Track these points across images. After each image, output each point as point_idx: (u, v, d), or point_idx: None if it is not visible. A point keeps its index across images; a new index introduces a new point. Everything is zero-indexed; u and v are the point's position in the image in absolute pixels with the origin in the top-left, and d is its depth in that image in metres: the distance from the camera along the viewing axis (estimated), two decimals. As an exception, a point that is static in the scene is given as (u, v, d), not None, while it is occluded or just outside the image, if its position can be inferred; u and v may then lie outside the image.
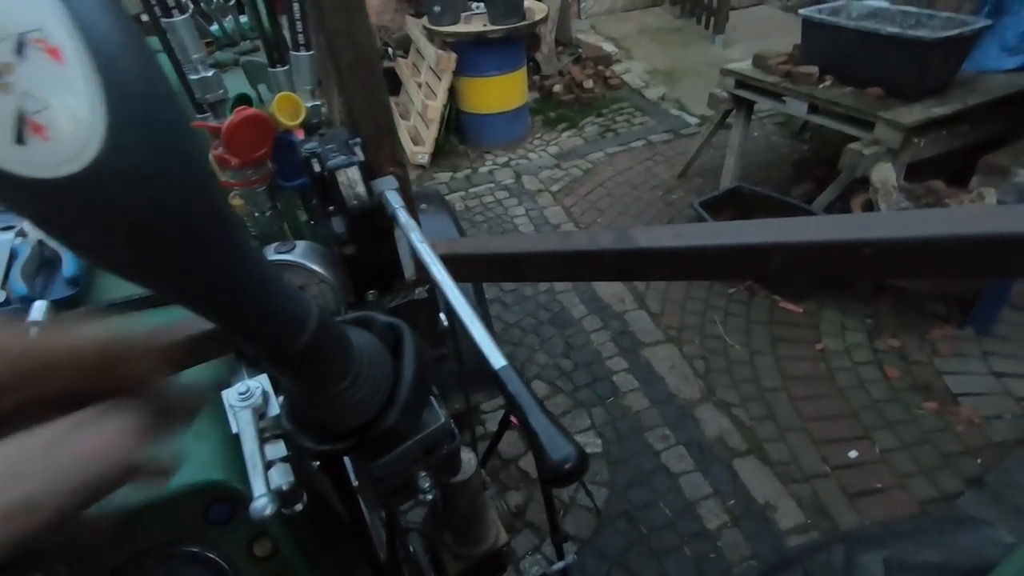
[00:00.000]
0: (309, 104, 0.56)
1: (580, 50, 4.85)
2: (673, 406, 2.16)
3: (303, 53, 0.55)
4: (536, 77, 4.62)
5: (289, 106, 0.53)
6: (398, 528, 0.53)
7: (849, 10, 2.65)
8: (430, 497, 0.37)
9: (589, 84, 4.54)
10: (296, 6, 0.51)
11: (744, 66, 2.90)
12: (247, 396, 0.42)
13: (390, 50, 4.46)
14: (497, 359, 0.27)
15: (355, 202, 0.46)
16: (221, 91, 0.56)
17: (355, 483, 0.41)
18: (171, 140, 0.19)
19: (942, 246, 0.31)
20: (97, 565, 0.35)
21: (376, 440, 0.30)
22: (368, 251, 0.49)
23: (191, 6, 0.52)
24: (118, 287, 0.62)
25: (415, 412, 0.32)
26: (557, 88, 4.52)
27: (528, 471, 1.96)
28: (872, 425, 1.99)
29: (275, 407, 0.42)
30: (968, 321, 2.21)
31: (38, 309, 0.52)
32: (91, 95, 0.17)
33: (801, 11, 2.67)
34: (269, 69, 0.58)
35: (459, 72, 3.74)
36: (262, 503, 0.36)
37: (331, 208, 0.47)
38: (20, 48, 0.16)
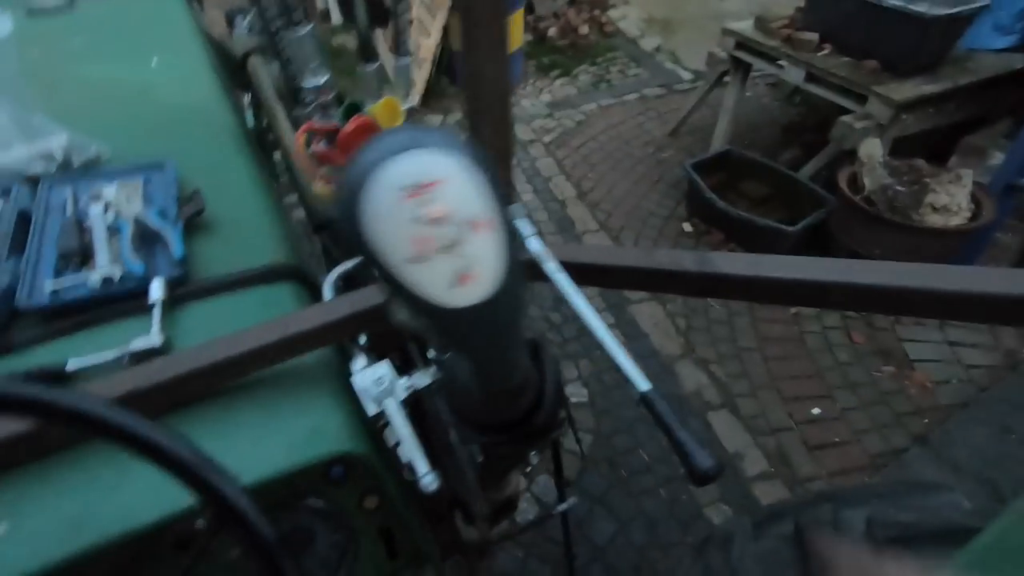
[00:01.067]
0: (405, 107, 0.59)
1: (577, -9, 4.69)
2: (655, 361, 2.30)
3: (403, 60, 0.58)
4: (530, 18, 4.48)
5: (390, 110, 0.57)
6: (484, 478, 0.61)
7: (854, -23, 2.64)
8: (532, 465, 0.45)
9: (584, 30, 4.44)
10: (406, 16, 0.53)
11: (745, 27, 2.89)
12: (380, 382, 0.48)
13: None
14: (642, 383, 0.34)
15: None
16: (332, 95, 0.58)
17: (478, 457, 0.49)
18: (521, 275, 0.27)
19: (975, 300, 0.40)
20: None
21: (529, 434, 0.38)
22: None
23: (309, 21, 0.54)
24: (215, 267, 0.66)
25: (556, 412, 0.39)
26: (552, 31, 4.40)
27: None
28: (835, 385, 2.16)
29: (401, 391, 0.49)
30: (931, 293, 2.38)
31: (156, 288, 0.57)
32: (499, 254, 0.24)
33: (807, -26, 2.65)
34: (359, 67, 0.60)
35: (454, 9, 3.60)
36: (429, 479, 0.43)
37: None
38: (466, 229, 0.23)
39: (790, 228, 2.39)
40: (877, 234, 2.26)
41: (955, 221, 2.17)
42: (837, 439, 2.01)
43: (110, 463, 0.50)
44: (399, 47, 0.59)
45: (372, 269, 0.24)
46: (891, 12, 2.31)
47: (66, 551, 0.44)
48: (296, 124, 0.64)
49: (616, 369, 0.37)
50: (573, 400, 2.26)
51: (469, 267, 0.24)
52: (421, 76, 3.71)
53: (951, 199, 2.16)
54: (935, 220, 2.18)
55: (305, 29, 0.53)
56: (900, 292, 0.41)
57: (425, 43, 3.62)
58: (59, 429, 0.46)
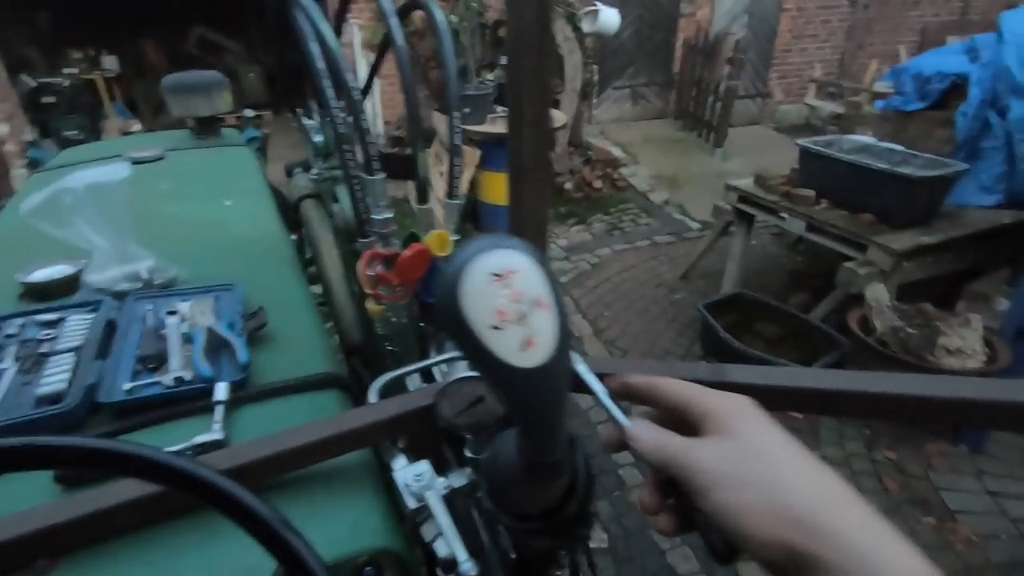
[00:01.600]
0: (454, 239, 0.71)
1: (591, 152, 5.24)
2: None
3: (454, 202, 0.70)
4: (549, 174, 4.96)
5: (441, 241, 0.68)
6: None
7: (841, 143, 2.96)
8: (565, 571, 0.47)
9: (598, 184, 4.88)
10: (456, 160, 0.67)
11: (746, 183, 3.18)
12: (420, 478, 0.52)
13: (416, 140, 4.79)
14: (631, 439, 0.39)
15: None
16: (394, 228, 0.70)
17: (512, 554, 0.51)
18: (568, 348, 0.34)
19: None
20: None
21: (563, 522, 0.41)
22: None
23: (384, 172, 0.68)
24: (273, 374, 0.73)
25: (589, 502, 0.43)
26: (568, 186, 4.84)
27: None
28: (873, 536, 2.03)
29: (440, 488, 0.52)
30: (960, 438, 2.32)
31: (221, 389, 0.63)
32: (556, 326, 0.32)
33: (798, 142, 2.97)
34: (416, 206, 0.73)
35: (480, 166, 4.04)
36: (468, 566, 0.46)
37: None
38: (533, 305, 0.31)
39: (808, 368, 2.42)
40: (895, 375, 2.27)
41: (972, 364, 2.19)
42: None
43: (199, 538, 0.53)
44: (451, 192, 0.72)
45: (460, 338, 0.31)
46: (879, 173, 2.55)
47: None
48: (357, 255, 0.75)
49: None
50: (592, 545, 2.13)
51: (533, 335, 0.31)
52: (448, 222, 4.04)
53: (964, 342, 2.20)
54: (951, 363, 2.20)
55: (380, 176, 0.66)
56: (919, 401, 0.45)
57: (454, 193, 3.99)
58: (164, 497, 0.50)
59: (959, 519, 2.06)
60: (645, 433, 0.39)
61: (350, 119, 0.70)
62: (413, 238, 0.73)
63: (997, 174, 2.76)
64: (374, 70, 1.30)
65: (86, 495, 0.51)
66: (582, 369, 0.47)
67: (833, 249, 2.75)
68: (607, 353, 3.07)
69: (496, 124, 4.09)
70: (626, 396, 0.44)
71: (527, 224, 0.59)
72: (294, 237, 1.90)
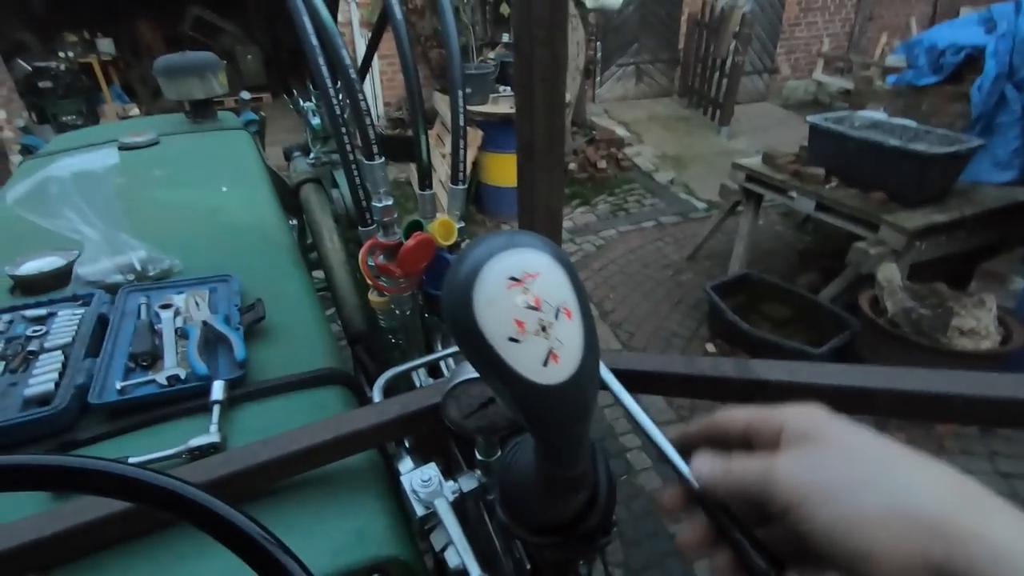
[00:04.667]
0: (459, 226, 0.67)
1: (594, 132, 5.15)
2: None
3: (458, 187, 0.66)
4: (553, 155, 4.88)
5: (445, 228, 0.64)
6: None
7: (852, 120, 2.88)
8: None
9: (602, 164, 4.80)
10: (462, 143, 0.62)
11: (754, 162, 3.11)
12: (428, 483, 0.49)
13: (417, 121, 4.71)
14: (695, 480, 0.35)
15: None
16: (395, 215, 0.66)
17: (527, 564, 0.48)
18: (596, 359, 0.31)
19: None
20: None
21: (581, 535, 0.38)
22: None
23: (382, 156, 0.64)
24: (272, 371, 0.70)
25: (610, 512, 0.40)
26: (572, 166, 4.76)
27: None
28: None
29: (449, 493, 0.49)
30: (972, 419, 2.29)
31: (218, 388, 0.60)
32: (581, 338, 0.29)
33: (809, 118, 2.90)
34: (418, 192, 0.69)
35: (483, 148, 3.97)
36: None
37: None
38: (557, 314, 0.28)
39: (816, 350, 2.38)
40: (907, 357, 2.24)
41: (985, 345, 2.15)
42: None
43: (176, 555, 0.50)
44: (455, 176, 0.68)
45: (473, 350, 0.27)
46: (892, 151, 2.48)
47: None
48: (358, 241, 0.71)
49: (669, 469, 0.37)
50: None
51: (557, 348, 0.28)
52: (451, 204, 3.99)
53: (978, 323, 2.16)
54: (965, 343, 2.16)
55: (379, 160, 0.62)
56: (949, 399, 0.42)
57: (456, 176, 3.93)
58: (140, 515, 0.47)
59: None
60: (710, 463, 0.33)
61: (347, 101, 0.66)
62: (416, 226, 0.69)
63: (1013, 149, 2.69)
64: (371, 48, 1.25)
65: (75, 505, 0.48)
66: (628, 401, 0.43)
67: (843, 228, 2.70)
68: (613, 336, 3.04)
69: (499, 104, 4.01)
70: (687, 447, 0.36)
71: (539, 212, 0.55)
72: (294, 222, 1.87)
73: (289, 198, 1.68)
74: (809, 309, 2.73)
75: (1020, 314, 2.24)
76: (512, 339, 0.27)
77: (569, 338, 0.28)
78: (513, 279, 0.27)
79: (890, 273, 2.35)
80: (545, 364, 0.27)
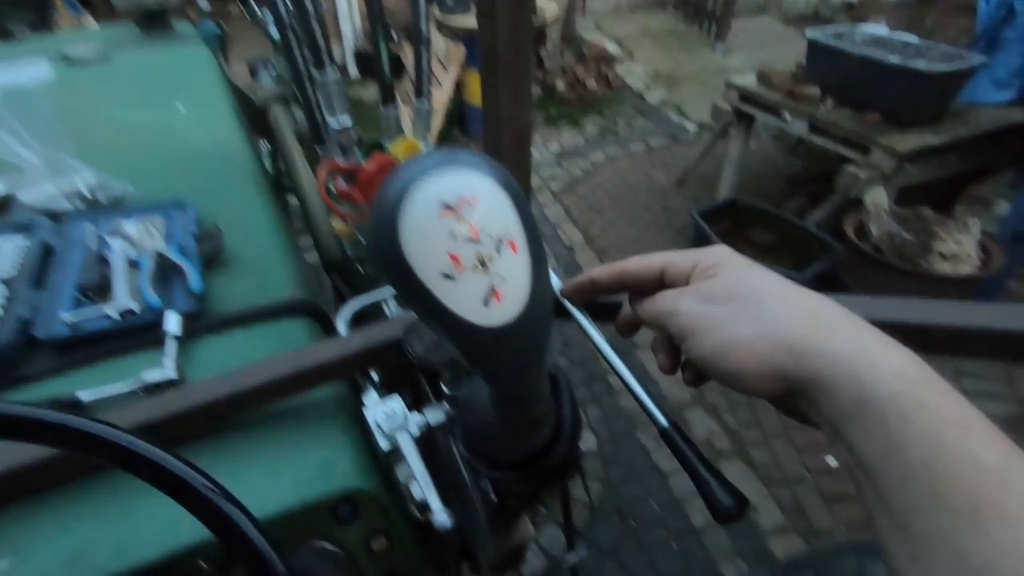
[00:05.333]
0: (424, 148, 0.62)
1: (584, 48, 4.89)
2: (665, 408, 2.26)
3: (423, 103, 0.61)
4: (539, 72, 4.65)
5: (410, 150, 0.59)
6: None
7: (852, 35, 2.74)
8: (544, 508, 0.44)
9: (591, 83, 4.59)
10: (425, 57, 0.56)
11: (748, 81, 2.98)
12: (392, 417, 0.48)
13: (395, 36, 4.43)
14: (661, 419, 0.34)
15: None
16: (352, 135, 0.61)
17: (494, 497, 0.48)
18: (548, 297, 0.28)
19: None
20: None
21: (546, 470, 0.37)
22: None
23: (337, 71, 0.57)
24: (231, 303, 0.67)
25: (575, 447, 0.39)
26: (560, 85, 4.56)
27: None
28: (851, 435, 2.11)
29: (414, 427, 0.48)
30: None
31: (173, 321, 0.57)
32: (528, 273, 0.25)
33: (808, 33, 2.75)
34: (381, 110, 0.63)
35: (466, 65, 3.76)
36: (443, 517, 0.42)
37: None
38: (499, 246, 0.24)
39: (798, 275, 2.39)
40: (887, 281, 2.26)
41: (965, 269, 2.17)
42: (854, 490, 1.94)
43: (114, 496, 0.49)
44: (419, 91, 0.62)
45: (402, 288, 0.24)
46: (890, 69, 2.38)
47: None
48: (317, 165, 0.66)
49: (639, 406, 0.36)
50: (582, 448, 2.21)
51: (500, 285, 0.25)
52: (434, 125, 3.83)
53: (959, 247, 2.17)
54: (945, 268, 2.17)
55: (333, 74, 0.56)
56: (924, 329, 0.41)
57: (438, 95, 3.75)
58: (70, 459, 0.45)
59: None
60: (641, 301, 0.37)
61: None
62: (375, 147, 0.64)
63: (1014, 68, 2.59)
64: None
65: None
66: (592, 332, 0.40)
67: (834, 152, 2.64)
68: (599, 262, 3.03)
69: (481, 16, 3.76)
70: (594, 292, 0.39)
71: (505, 132, 0.50)
72: (267, 147, 1.77)
73: (258, 119, 1.58)
74: (795, 235, 2.72)
75: (1003, 238, 2.24)
76: (446, 275, 0.23)
77: (514, 274, 0.25)
78: (446, 205, 0.23)
79: (878, 197, 2.32)
80: (486, 304, 0.24)
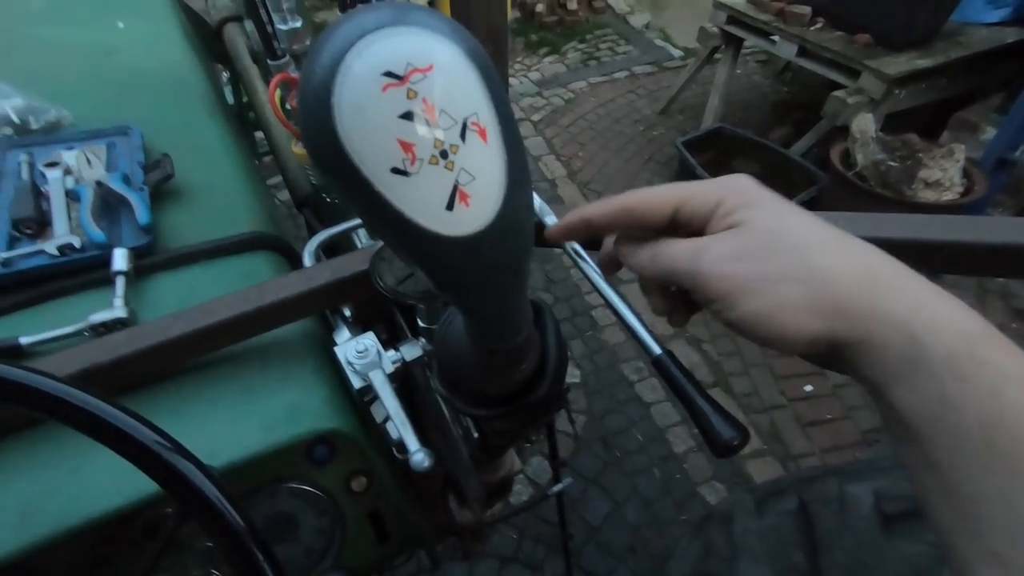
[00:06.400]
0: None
1: (565, -33, 4.59)
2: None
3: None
4: (518, -6, 4.39)
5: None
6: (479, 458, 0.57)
7: (847, -51, 2.59)
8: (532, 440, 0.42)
9: (573, 5, 4.34)
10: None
11: (737, 1, 2.84)
12: (365, 354, 0.44)
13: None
14: (655, 347, 0.30)
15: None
16: (307, 42, 0.53)
17: (474, 433, 0.45)
18: (528, 199, 0.23)
19: None
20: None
21: (530, 406, 0.34)
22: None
23: None
24: (186, 237, 0.61)
25: (560, 382, 0.36)
26: (540, 8, 4.31)
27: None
28: (827, 363, 2.16)
29: (389, 364, 0.45)
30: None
31: (120, 257, 0.52)
32: (501, 169, 0.20)
33: (802, -55, 2.60)
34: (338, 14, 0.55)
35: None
36: (420, 457, 0.40)
37: None
38: (463, 132, 0.18)
39: (783, 205, 2.37)
40: (870, 209, 2.24)
41: (948, 196, 2.16)
42: (829, 416, 2.01)
43: (68, 447, 0.45)
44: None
45: (345, 190, 0.19)
46: (885, -16, 2.27)
47: (16, 544, 0.39)
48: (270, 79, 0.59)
49: (630, 335, 0.33)
50: (567, 380, 2.24)
51: (466, 183, 0.19)
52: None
53: (944, 174, 2.15)
54: (928, 195, 2.16)
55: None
56: (919, 245, 0.38)
57: None
58: (6, 410, 0.41)
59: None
60: (637, 250, 0.32)
61: None
62: None
63: (1011, -16, 2.49)
64: None
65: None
66: (581, 259, 0.35)
67: (822, 77, 2.55)
68: (582, 196, 2.96)
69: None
70: (588, 233, 0.33)
71: (477, 33, 0.44)
72: (226, 73, 1.65)
73: (215, 44, 1.45)
74: (780, 164, 2.68)
75: (987, 163, 2.23)
76: (397, 170, 0.18)
77: (484, 169, 0.19)
78: (391, 75, 0.17)
79: (864, 124, 2.27)
80: (450, 207, 0.19)
